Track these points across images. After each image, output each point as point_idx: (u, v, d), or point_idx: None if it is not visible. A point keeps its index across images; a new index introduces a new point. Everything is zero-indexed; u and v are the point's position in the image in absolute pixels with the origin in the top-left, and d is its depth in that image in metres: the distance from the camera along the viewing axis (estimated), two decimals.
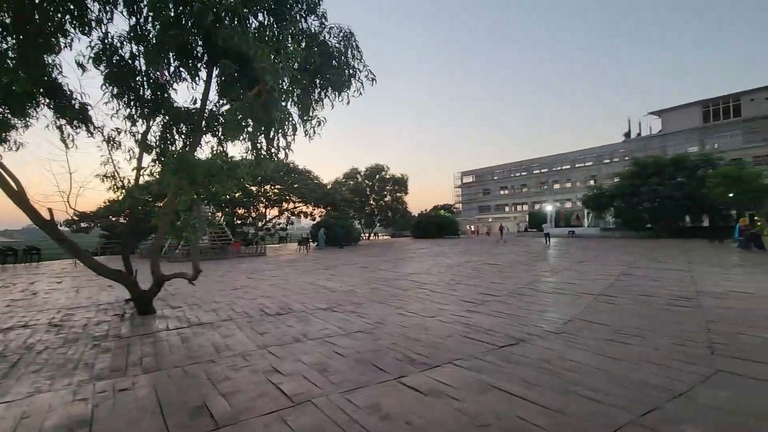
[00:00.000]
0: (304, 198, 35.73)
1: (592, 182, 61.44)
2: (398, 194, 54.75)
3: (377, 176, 54.27)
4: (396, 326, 7.16)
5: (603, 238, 41.67)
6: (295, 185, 36.65)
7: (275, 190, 36.78)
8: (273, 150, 8.55)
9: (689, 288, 10.45)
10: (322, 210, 39.40)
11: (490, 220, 77.23)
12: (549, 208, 53.73)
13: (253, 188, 34.05)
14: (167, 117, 9.30)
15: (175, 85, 8.96)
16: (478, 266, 16.95)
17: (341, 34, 9.32)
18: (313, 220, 39.35)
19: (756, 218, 28.53)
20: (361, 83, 9.62)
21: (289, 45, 8.21)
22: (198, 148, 8.81)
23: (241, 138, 8.14)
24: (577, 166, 68.19)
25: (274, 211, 40.00)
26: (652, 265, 15.75)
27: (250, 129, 7.99)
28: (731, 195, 30.45)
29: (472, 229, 75.01)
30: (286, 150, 8.63)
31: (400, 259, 21.64)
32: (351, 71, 9.68)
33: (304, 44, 8.93)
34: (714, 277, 12.36)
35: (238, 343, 6.30)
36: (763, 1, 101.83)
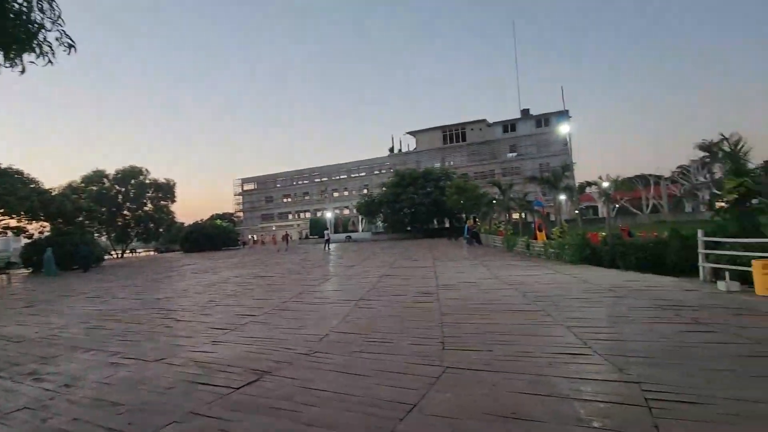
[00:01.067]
0: (9, 207, 25.69)
1: (365, 191, 68.32)
2: (162, 202, 47.04)
3: (133, 181, 45.16)
4: (96, 386, 5.08)
5: (374, 241, 46.53)
6: None
7: None
8: None
9: (432, 283, 11.85)
10: (44, 224, 29.61)
11: (273, 228, 76.05)
12: (329, 215, 56.76)
13: None
14: None
15: None
16: (246, 281, 15.46)
17: None
18: (30, 237, 29.22)
19: (476, 219, 36.99)
20: (50, 48, 6.88)
21: None
22: None
23: None
24: (352, 175, 74.72)
25: None
26: (408, 264, 17.76)
27: None
28: (462, 202, 38.65)
29: (255, 238, 72.18)
30: None
31: (152, 282, 17.93)
32: (34, 28, 6.81)
33: None
34: (450, 270, 14.60)
35: None
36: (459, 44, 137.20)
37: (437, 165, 63.43)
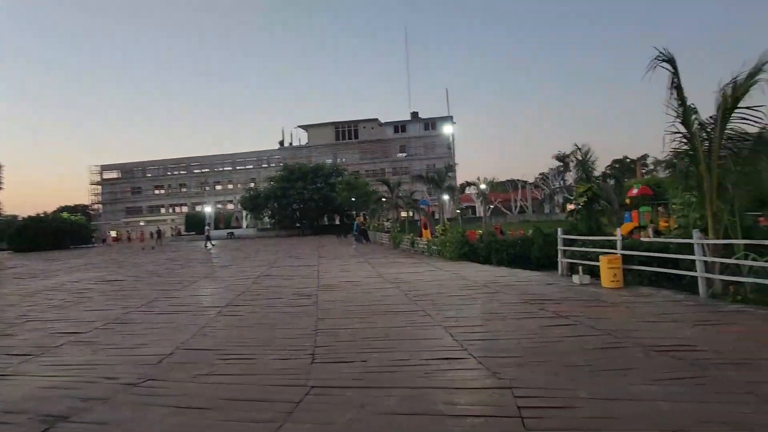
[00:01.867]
0: None
1: (252, 185, 64.17)
2: None
3: None
4: None
5: (260, 238, 43.79)
6: None
7: None
8: None
9: (313, 283, 11.03)
10: None
11: (142, 224, 66.84)
12: (208, 209, 51.64)
13: None
14: None
15: None
16: (86, 287, 12.70)
17: None
18: None
19: (365, 216, 37.16)
20: None
21: None
22: None
23: None
24: (238, 168, 69.53)
25: None
26: (291, 263, 16.63)
27: None
28: (354, 199, 38.49)
29: (114, 234, 62.60)
30: None
31: None
32: None
33: None
34: (334, 269, 13.96)
35: None
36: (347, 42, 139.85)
37: (329, 161, 62.63)
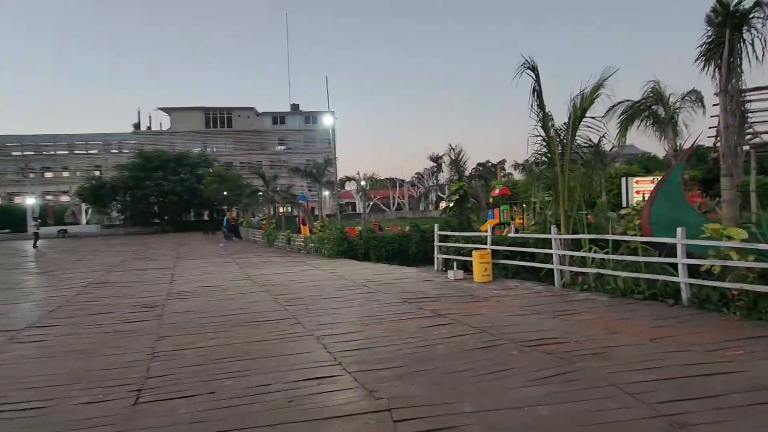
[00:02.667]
0: None
1: (97, 173, 53.97)
2: None
3: None
4: None
5: (104, 237, 36.88)
6: None
7: None
8: None
9: (163, 290, 9.19)
10: None
11: None
12: (31, 201, 41.29)
13: None
14: None
15: None
16: None
17: None
18: None
19: (236, 210, 34.17)
20: None
21: None
22: None
23: None
24: (77, 152, 57.79)
25: None
26: (139, 265, 13.97)
27: None
28: (226, 193, 34.97)
29: None
30: None
31: None
32: None
33: None
34: (194, 271, 12.05)
35: None
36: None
37: (197, 150, 56.35)
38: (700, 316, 5.77)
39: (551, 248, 8.38)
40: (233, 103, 64.77)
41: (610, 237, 7.78)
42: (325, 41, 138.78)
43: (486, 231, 10.06)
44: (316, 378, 4.07)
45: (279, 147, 63.48)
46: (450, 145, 16.41)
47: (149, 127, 61.20)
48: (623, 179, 19.62)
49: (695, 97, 18.43)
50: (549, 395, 3.52)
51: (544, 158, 9.12)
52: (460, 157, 16.21)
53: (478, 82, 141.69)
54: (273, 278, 10.47)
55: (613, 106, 15.36)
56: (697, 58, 6.72)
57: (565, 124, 9.01)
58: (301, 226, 24.01)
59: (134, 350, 5.17)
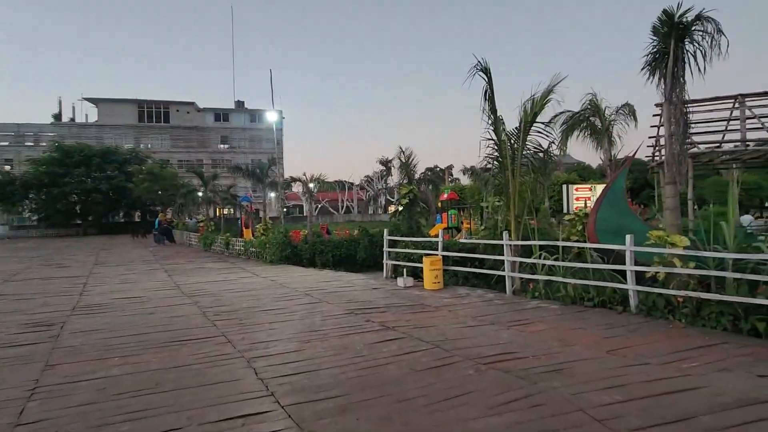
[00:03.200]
0: None
1: (8, 167, 47.92)
2: None
3: None
4: None
5: (12, 239, 32.54)
6: None
7: None
8: None
9: (67, 304, 7.86)
10: None
11: None
12: None
13: None
14: None
15: None
16: None
17: None
18: None
19: (172, 212, 31.67)
20: None
21: None
22: None
23: None
24: None
25: None
26: (46, 273, 12.14)
27: None
28: (160, 192, 32.26)
29: None
30: None
31: None
32: None
33: None
34: (112, 280, 10.61)
35: None
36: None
37: (129, 145, 51.92)
38: (649, 324, 5.73)
39: (502, 254, 8.23)
40: (169, 96, 60.73)
41: (560, 243, 7.71)
42: (273, 39, 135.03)
43: (435, 236, 9.73)
44: (241, 416, 3.35)
45: (222, 146, 60.32)
46: (400, 147, 16.06)
47: (72, 119, 55.62)
48: (564, 186, 20.45)
49: (628, 110, 19.70)
50: (513, 426, 3.10)
51: (495, 162, 8.94)
52: (411, 160, 15.91)
53: (428, 86, 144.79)
54: (205, 287, 9.41)
55: (556, 116, 15.90)
56: (643, 68, 6.80)
57: (516, 128, 8.90)
58: (244, 229, 22.62)
59: (10, 385, 4.12)
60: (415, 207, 16.02)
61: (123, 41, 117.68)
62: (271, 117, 16.93)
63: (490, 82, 8.68)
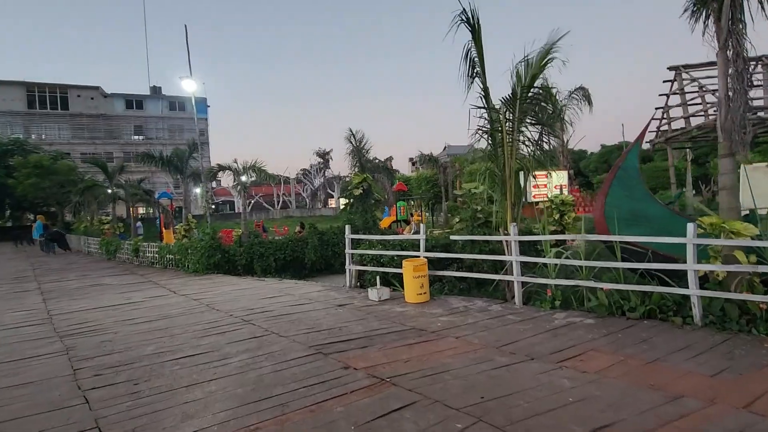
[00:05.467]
0: None
1: None
2: None
3: None
4: None
5: None
6: None
7: None
8: None
9: None
10: None
11: None
12: None
13: None
14: None
15: None
16: None
17: None
18: None
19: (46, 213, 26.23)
20: None
21: None
22: None
23: None
24: None
25: None
26: None
27: None
28: (50, 188, 26.58)
29: None
30: None
31: None
32: None
33: None
34: None
35: None
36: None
37: (17, 135, 43.62)
38: (739, 343, 4.20)
39: (493, 252, 6.52)
40: (68, 80, 52.45)
41: (579, 237, 6.08)
42: (196, 25, 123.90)
43: (409, 231, 7.76)
44: None
45: (137, 137, 53.43)
46: (350, 129, 13.82)
47: None
48: (521, 173, 19.58)
49: (582, 94, 19.20)
50: None
51: (488, 137, 7.13)
52: (363, 144, 13.77)
53: (368, 74, 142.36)
54: (92, 318, 6.55)
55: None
56: (686, 9, 5.32)
57: (507, 97, 7.15)
58: (163, 231, 19.10)
59: None
60: (369, 199, 13.93)
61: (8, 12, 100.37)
62: (189, 86, 13.71)
63: (477, 35, 6.81)
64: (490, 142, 7.12)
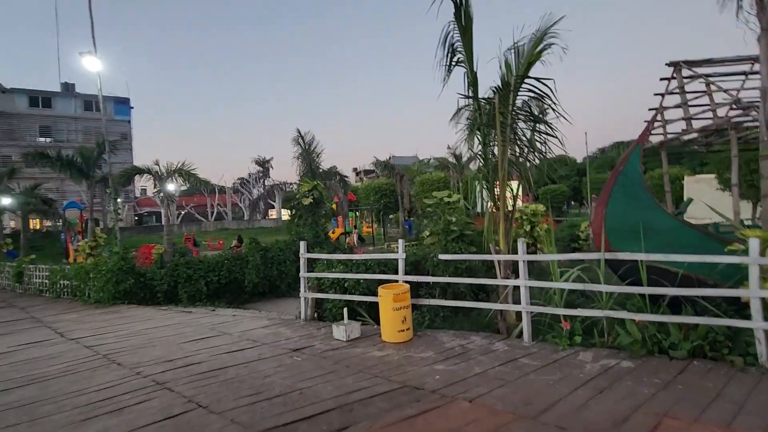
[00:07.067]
0: None
1: None
2: None
3: None
4: None
5: None
6: None
7: None
8: None
9: None
10: None
11: None
12: None
13: None
14: None
15: None
16: None
17: None
18: None
19: None
20: None
21: None
22: None
23: None
24: None
25: None
26: None
27: None
28: None
29: None
30: None
31: None
32: None
33: None
34: None
35: None
36: None
37: None
38: None
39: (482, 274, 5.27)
40: None
41: (599, 256, 4.98)
42: (115, 26, 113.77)
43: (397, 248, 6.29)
44: None
45: (43, 139, 46.75)
46: (298, 131, 12.12)
47: None
48: (475, 182, 18.99)
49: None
50: None
51: (476, 132, 5.94)
52: (313, 147, 12.12)
53: (310, 89, 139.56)
54: None
55: (460, 109, 14.06)
56: None
57: (497, 88, 6.04)
58: (69, 248, 16.02)
59: None
60: (320, 209, 12.29)
61: None
62: (92, 65, 11.02)
63: (464, 11, 5.65)
64: (480, 139, 5.95)
